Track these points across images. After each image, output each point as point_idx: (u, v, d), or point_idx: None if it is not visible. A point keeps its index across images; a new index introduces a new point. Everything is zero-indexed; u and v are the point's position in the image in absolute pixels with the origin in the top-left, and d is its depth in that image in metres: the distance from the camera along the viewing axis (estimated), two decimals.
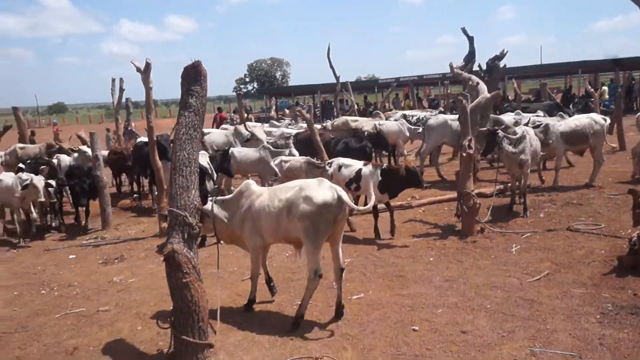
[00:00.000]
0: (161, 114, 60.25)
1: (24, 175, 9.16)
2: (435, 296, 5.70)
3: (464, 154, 8.15)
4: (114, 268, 7.64)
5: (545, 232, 7.84)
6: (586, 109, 16.06)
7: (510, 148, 8.70)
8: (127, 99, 21.18)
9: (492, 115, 12.31)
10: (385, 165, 8.58)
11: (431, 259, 7.04)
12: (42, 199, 9.07)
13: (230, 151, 10.34)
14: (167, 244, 4.39)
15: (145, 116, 10.05)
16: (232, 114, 34.58)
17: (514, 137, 8.98)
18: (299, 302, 5.27)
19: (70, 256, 8.41)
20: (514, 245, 7.35)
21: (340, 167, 8.66)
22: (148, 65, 8.92)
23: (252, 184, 5.58)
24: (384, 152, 14.02)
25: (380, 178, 7.99)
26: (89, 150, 10.74)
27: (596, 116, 10.45)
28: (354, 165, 8.52)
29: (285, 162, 9.81)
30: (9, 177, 9.25)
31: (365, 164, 8.43)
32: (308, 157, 9.72)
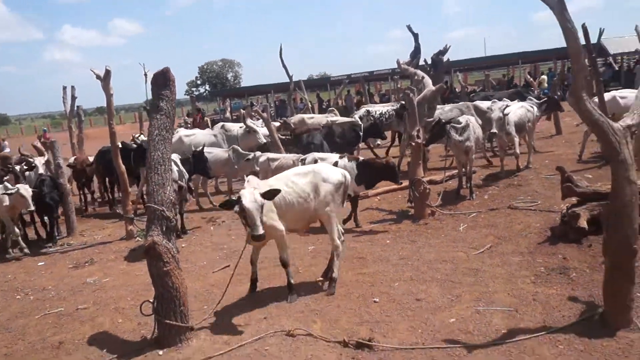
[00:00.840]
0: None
1: (9, 185, 8.93)
2: (392, 272, 6.30)
3: (413, 144, 8.82)
4: (86, 271, 7.86)
5: (489, 211, 8.61)
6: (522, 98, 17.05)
7: (457, 136, 9.46)
8: (78, 107, 20.92)
9: (473, 102, 13.21)
10: (361, 158, 8.79)
11: (388, 241, 7.66)
12: (32, 208, 8.84)
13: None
14: (147, 236, 4.78)
15: (107, 122, 10.23)
16: (186, 118, 34.47)
17: (459, 126, 9.75)
18: (268, 287, 5.78)
19: (39, 263, 8.56)
20: (461, 225, 8.07)
21: (316, 161, 8.80)
22: (108, 73, 9.14)
23: (256, 178, 5.77)
24: (378, 142, 14.56)
25: (356, 171, 8.22)
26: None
27: (528, 105, 11.34)
28: (330, 158, 8.75)
29: (273, 159, 9.80)
30: None
31: (340, 157, 8.65)
32: (299, 154, 9.83)
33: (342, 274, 6.34)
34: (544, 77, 30.59)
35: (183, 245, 8.46)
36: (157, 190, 4.92)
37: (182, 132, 13.96)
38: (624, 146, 4.19)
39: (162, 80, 5.12)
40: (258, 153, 10.45)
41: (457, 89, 29.57)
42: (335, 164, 8.34)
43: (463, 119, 10.22)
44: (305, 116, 16.37)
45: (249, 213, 4.86)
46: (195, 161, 9.82)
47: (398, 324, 4.93)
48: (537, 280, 5.62)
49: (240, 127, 13.01)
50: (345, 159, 8.46)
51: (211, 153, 11.01)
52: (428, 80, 9.59)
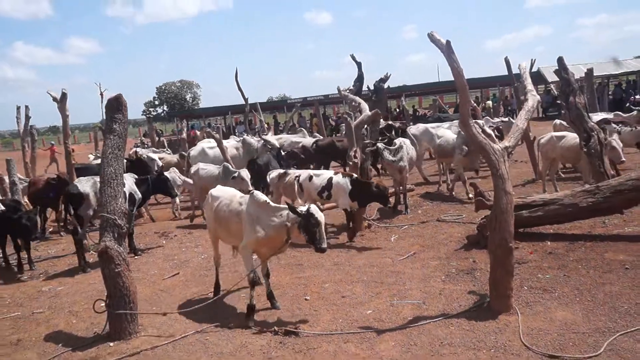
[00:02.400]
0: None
1: None
2: (324, 276, 7.08)
3: (350, 163, 9.71)
4: (40, 282, 8.27)
5: (420, 223, 9.56)
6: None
7: (389, 157, 10.45)
8: (31, 126, 21.01)
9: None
10: (355, 175, 8.97)
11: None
12: None
13: (196, 168, 11.46)
14: (100, 241, 5.41)
15: (62, 142, 10.69)
16: (143, 138, 34.62)
17: (393, 147, 10.75)
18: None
19: None
20: (393, 236, 8.97)
21: (311, 177, 9.23)
22: (64, 95, 9.71)
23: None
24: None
25: (350, 187, 8.62)
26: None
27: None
28: (324, 174, 9.18)
29: (285, 175, 9.89)
30: None
31: (335, 173, 9.11)
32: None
33: (280, 278, 7.07)
34: (489, 102, 32.67)
35: (135, 257, 8.98)
36: (109, 201, 5.57)
37: (204, 144, 14.56)
38: (502, 163, 5.17)
39: (116, 105, 5.81)
40: (243, 171, 10.73)
41: (411, 112, 31.38)
42: (330, 180, 8.90)
43: (398, 141, 11.24)
44: (274, 137, 16.87)
45: (321, 226, 5.21)
46: (155, 182, 9.87)
47: (323, 316, 5.70)
48: (447, 279, 6.52)
49: (258, 141, 13.57)
50: (340, 175, 8.94)
51: (205, 169, 11.49)
52: (365, 106, 10.54)
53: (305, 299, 6.26)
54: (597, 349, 4.38)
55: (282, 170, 10.29)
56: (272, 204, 5.68)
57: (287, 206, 5.50)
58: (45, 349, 5.52)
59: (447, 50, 5.06)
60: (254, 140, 13.87)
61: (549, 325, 4.90)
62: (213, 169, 11.48)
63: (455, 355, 4.53)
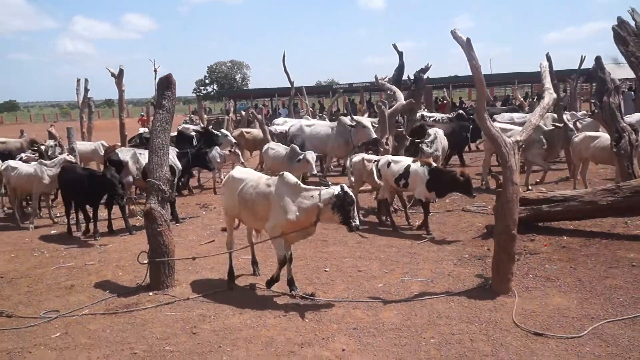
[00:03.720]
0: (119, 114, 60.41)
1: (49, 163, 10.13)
2: (346, 252, 7.64)
3: (382, 149, 10.16)
4: (92, 240, 9.20)
5: (445, 212, 9.94)
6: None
7: (428, 150, 10.84)
8: (89, 99, 22.37)
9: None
10: (434, 164, 8.52)
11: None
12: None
13: (266, 147, 11.94)
14: (146, 204, 6.15)
15: (117, 115, 11.62)
16: (192, 115, 35.95)
17: (428, 139, 11.14)
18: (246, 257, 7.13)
19: (52, 231, 9.93)
20: (417, 221, 9.38)
21: (389, 164, 8.84)
22: (121, 72, 10.58)
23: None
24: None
25: (428, 176, 8.16)
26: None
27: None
28: (403, 161, 8.73)
29: (369, 160, 9.49)
30: (31, 166, 10.16)
31: (414, 161, 8.60)
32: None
33: (305, 251, 7.66)
34: (540, 97, 32.09)
35: (177, 225, 9.79)
36: (156, 169, 6.31)
37: (303, 121, 14.84)
38: (511, 156, 5.54)
39: (166, 83, 6.50)
40: (309, 154, 10.79)
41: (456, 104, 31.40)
42: (407, 168, 8.45)
43: (432, 132, 11.60)
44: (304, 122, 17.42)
45: (354, 204, 5.46)
46: (194, 156, 10.55)
47: (338, 285, 6.27)
48: (459, 262, 6.96)
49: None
50: (418, 163, 8.43)
51: (274, 149, 11.75)
52: (400, 95, 10.94)
53: (325, 271, 6.84)
54: (581, 331, 4.75)
55: (365, 154, 9.97)
56: (302, 185, 5.74)
57: (317, 188, 5.58)
58: (95, 294, 6.36)
59: (467, 47, 5.44)
60: (349, 120, 13.15)
61: (542, 309, 5.29)
62: (281, 150, 11.60)
63: (449, 327, 5.01)
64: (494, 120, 13.80)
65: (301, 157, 10.78)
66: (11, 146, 13.54)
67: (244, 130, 15.96)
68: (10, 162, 10.47)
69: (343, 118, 13.43)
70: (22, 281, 7.00)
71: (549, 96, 6.07)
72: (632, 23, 8.05)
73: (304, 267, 6.98)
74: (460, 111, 19.25)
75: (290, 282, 6.03)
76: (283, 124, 16.37)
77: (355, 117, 13.02)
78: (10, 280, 7.05)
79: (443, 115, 18.58)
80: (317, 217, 5.51)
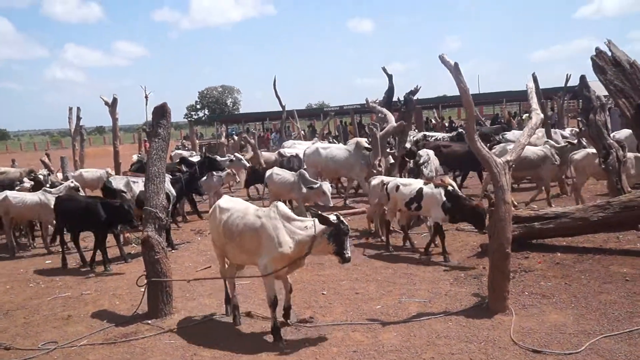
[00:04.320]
0: (109, 141, 60.51)
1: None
2: (342, 274, 7.67)
3: (374, 172, 10.28)
4: (88, 269, 9.16)
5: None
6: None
7: (428, 172, 10.95)
8: (81, 126, 22.44)
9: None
10: (451, 186, 8.03)
11: None
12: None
13: (270, 172, 11.49)
14: (143, 231, 6.18)
15: (111, 142, 11.69)
16: (184, 140, 36.08)
17: (423, 160, 11.26)
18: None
19: (47, 261, 9.88)
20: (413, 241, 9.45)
21: (398, 187, 8.48)
22: (115, 100, 10.67)
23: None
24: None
25: (444, 199, 7.81)
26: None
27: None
28: (414, 184, 8.44)
29: (404, 185, 8.74)
30: (35, 195, 10.28)
31: (425, 183, 8.31)
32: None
33: (302, 275, 7.68)
34: (527, 115, 32.60)
35: (172, 251, 9.78)
36: (152, 196, 6.36)
37: (318, 144, 14.64)
38: (502, 176, 5.66)
39: (161, 112, 6.61)
40: (325, 184, 10.41)
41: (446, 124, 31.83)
42: (420, 191, 8.18)
43: (424, 153, 11.76)
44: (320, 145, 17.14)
45: (348, 234, 5.26)
46: (187, 181, 10.62)
47: (336, 308, 6.30)
48: (455, 282, 7.01)
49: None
50: (432, 185, 8.13)
51: (279, 175, 11.18)
52: (391, 117, 11.13)
53: (322, 294, 6.87)
54: (579, 347, 4.82)
55: (384, 177, 9.44)
56: (295, 216, 5.50)
57: (312, 218, 5.32)
58: (92, 324, 6.33)
59: (455, 71, 5.60)
60: (364, 142, 12.96)
61: (539, 326, 5.35)
62: (288, 176, 11.10)
63: (449, 346, 5.05)
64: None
65: (316, 186, 10.31)
66: (11, 176, 13.52)
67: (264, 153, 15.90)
68: (11, 193, 10.50)
69: (360, 140, 13.21)
70: (19, 313, 6.96)
71: (536, 116, 6.23)
72: (609, 53, 8.33)
73: (301, 291, 7.00)
74: (461, 130, 19.49)
75: (287, 311, 5.82)
76: (291, 146, 16.40)
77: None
78: (6, 312, 7.01)
79: (444, 134, 18.81)
80: (309, 249, 5.25)
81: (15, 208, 10.12)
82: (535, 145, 12.04)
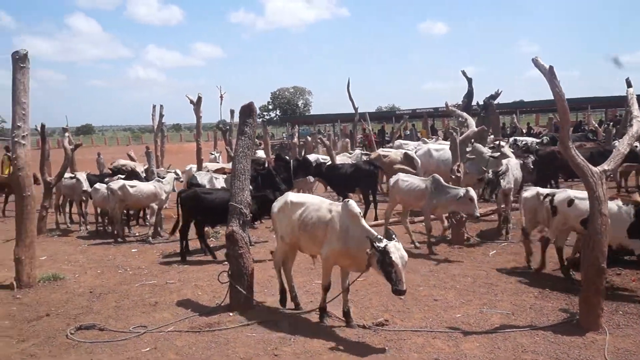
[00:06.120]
0: (185, 139, 63.12)
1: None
2: (419, 280, 7.55)
3: (453, 177, 10.04)
4: (171, 259, 9.59)
5: (520, 242, 9.61)
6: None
7: (506, 185, 10.46)
8: (162, 123, 23.57)
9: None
10: None
11: (421, 258, 8.88)
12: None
13: (395, 179, 10.18)
14: (228, 226, 6.39)
15: (193, 139, 12.18)
16: (257, 140, 36.94)
17: (501, 171, 10.80)
18: (318, 282, 7.21)
19: (133, 250, 10.45)
20: (491, 251, 9.17)
21: (571, 201, 7.00)
22: (199, 99, 11.11)
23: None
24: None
25: (633, 219, 6.27)
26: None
27: None
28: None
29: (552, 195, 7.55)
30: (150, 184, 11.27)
31: (610, 198, 6.21)
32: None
33: (378, 277, 7.57)
34: (611, 123, 30.58)
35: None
36: (238, 192, 6.55)
37: (430, 145, 14.35)
38: (599, 186, 5.35)
39: (248, 111, 6.79)
40: (471, 190, 8.81)
41: (523, 130, 30.48)
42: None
43: (504, 162, 11.27)
44: (381, 152, 15.85)
45: (399, 267, 4.95)
46: (263, 179, 11.13)
47: (415, 314, 6.22)
48: (540, 295, 6.71)
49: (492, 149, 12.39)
50: (618, 202, 6.53)
51: (407, 182, 9.85)
52: (471, 122, 10.82)
53: (400, 298, 6.76)
54: None
55: (539, 188, 8.10)
56: (363, 220, 5.57)
57: (374, 233, 5.28)
58: (177, 312, 6.62)
59: (549, 75, 5.37)
60: (485, 148, 12.54)
61: (636, 348, 5.01)
62: (418, 182, 9.72)
63: None
64: None
65: (462, 193, 8.74)
66: (130, 166, 14.13)
67: (381, 152, 14.97)
68: (127, 182, 11.33)
69: (478, 145, 12.41)
70: (110, 296, 7.41)
71: (638, 124, 5.84)
72: None
73: (378, 294, 6.96)
74: (553, 134, 18.54)
75: (347, 315, 5.92)
76: (400, 146, 16.11)
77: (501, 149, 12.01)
78: (99, 295, 7.48)
79: (534, 139, 17.98)
80: (368, 262, 5.24)
81: (133, 196, 11.00)
82: None
